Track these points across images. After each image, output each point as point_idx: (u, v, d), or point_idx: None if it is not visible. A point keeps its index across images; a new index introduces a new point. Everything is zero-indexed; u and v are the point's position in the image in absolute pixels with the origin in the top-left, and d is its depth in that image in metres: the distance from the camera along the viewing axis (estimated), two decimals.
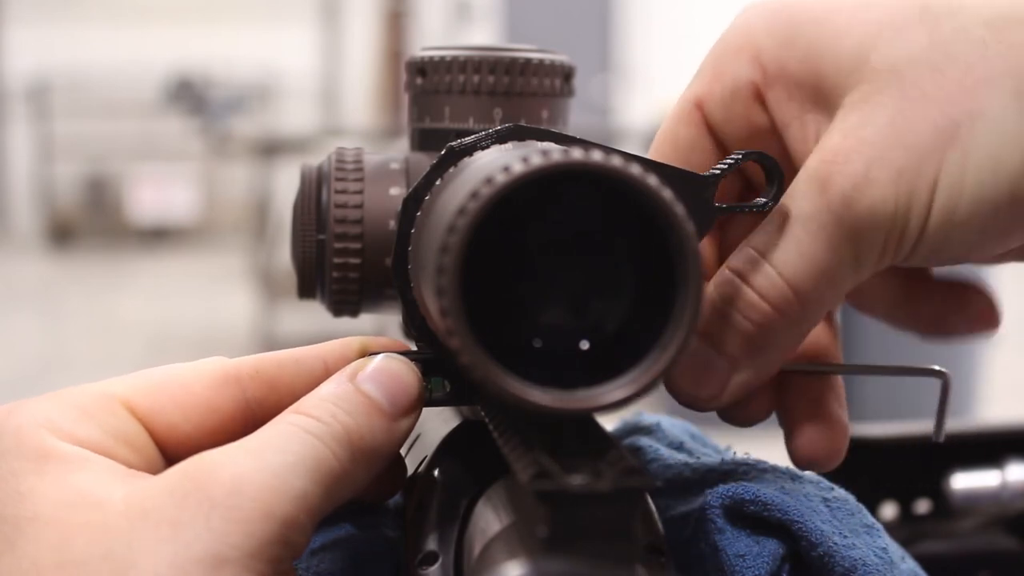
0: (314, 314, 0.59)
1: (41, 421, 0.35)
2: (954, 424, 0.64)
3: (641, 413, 0.49)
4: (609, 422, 0.44)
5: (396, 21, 7.57)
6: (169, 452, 0.37)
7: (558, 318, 0.34)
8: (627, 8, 7.62)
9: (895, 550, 0.42)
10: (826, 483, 0.44)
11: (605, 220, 0.34)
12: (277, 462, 0.34)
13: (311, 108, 7.84)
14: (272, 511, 0.33)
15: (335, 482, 0.35)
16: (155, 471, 0.36)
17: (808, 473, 0.44)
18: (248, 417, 0.38)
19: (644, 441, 0.47)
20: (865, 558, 0.40)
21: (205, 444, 0.37)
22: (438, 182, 0.39)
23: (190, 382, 0.38)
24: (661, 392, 0.38)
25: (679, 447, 0.47)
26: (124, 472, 0.35)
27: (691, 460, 0.45)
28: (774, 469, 0.44)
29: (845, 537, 0.40)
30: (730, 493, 0.41)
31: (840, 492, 0.43)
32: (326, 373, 0.39)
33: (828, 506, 0.42)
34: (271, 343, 4.52)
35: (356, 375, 0.38)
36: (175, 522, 0.33)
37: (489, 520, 0.38)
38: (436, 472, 0.42)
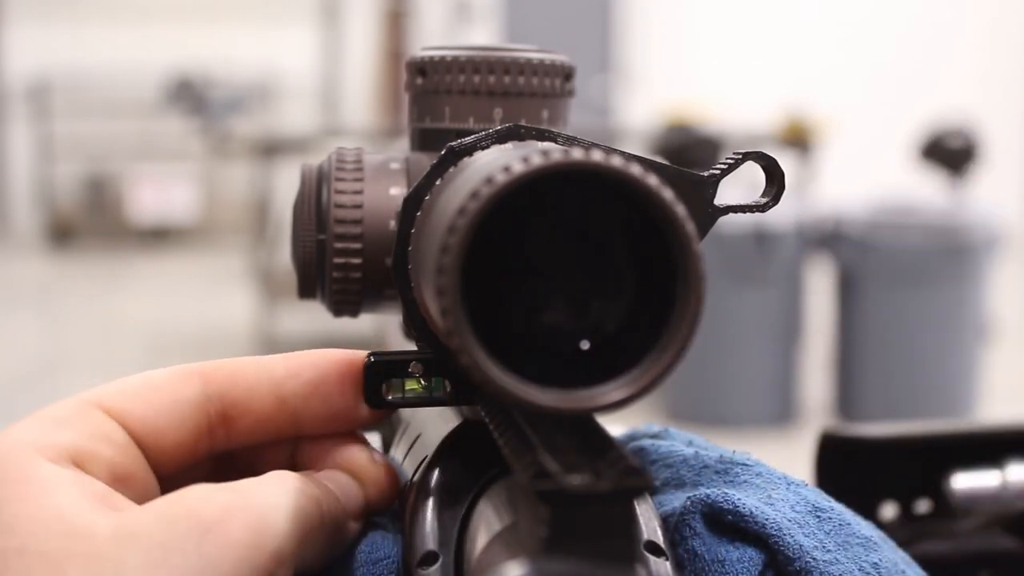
0: (314, 314, 0.59)
1: (23, 442, 0.35)
2: (954, 424, 0.64)
3: (650, 425, 0.49)
4: (615, 428, 0.44)
5: (396, 21, 7.58)
6: (144, 446, 0.38)
7: (558, 318, 0.34)
8: (627, 8, 7.62)
9: (893, 563, 0.42)
10: (822, 493, 0.43)
11: (605, 220, 0.34)
12: (259, 501, 0.35)
13: (311, 108, 7.84)
14: (261, 544, 0.34)
15: (310, 534, 0.37)
16: (137, 467, 0.37)
17: (804, 480, 0.44)
18: (211, 410, 0.39)
19: (646, 441, 0.47)
20: (848, 574, 0.40)
21: (173, 436, 0.38)
22: (438, 182, 0.39)
23: (153, 377, 0.39)
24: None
25: (685, 446, 0.47)
26: (102, 493, 0.35)
27: (691, 458, 0.45)
28: (769, 473, 0.43)
29: (828, 552, 0.40)
30: (709, 500, 0.41)
31: (834, 503, 0.42)
32: (286, 374, 0.40)
33: (817, 517, 0.41)
34: (271, 343, 4.52)
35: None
36: (166, 546, 0.33)
37: (489, 520, 0.38)
38: (436, 472, 0.42)
